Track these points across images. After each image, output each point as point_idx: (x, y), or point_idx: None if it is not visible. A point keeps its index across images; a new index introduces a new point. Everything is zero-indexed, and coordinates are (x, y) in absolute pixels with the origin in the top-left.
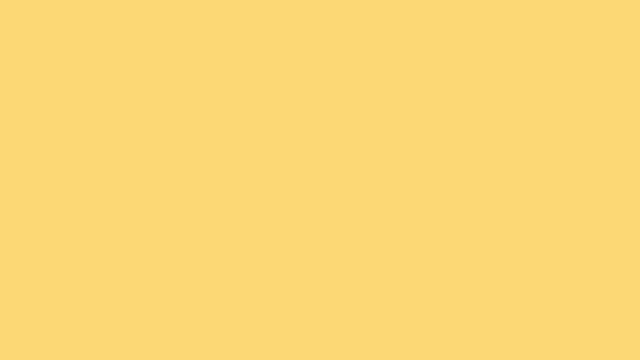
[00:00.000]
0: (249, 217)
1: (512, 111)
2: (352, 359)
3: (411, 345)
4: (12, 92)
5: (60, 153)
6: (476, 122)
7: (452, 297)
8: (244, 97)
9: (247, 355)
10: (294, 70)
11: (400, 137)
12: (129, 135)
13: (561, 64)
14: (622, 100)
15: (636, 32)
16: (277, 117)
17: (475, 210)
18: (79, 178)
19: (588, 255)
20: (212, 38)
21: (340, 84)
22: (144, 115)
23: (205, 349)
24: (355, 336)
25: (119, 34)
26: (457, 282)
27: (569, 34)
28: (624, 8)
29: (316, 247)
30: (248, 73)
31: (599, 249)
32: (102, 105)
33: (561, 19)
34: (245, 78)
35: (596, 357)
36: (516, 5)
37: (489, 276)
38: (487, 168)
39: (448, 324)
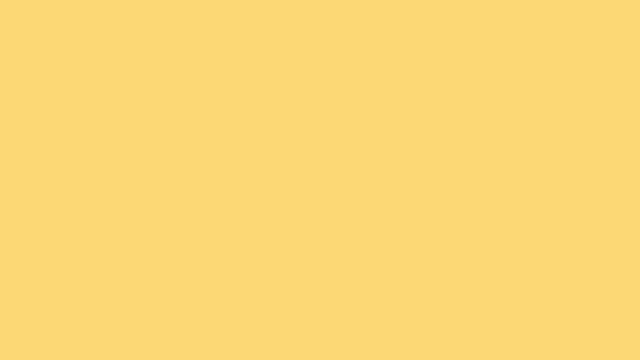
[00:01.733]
0: (249, 216)
1: (512, 111)
2: (352, 359)
3: (411, 345)
4: (12, 92)
5: (61, 153)
6: (476, 122)
7: (452, 297)
8: (244, 97)
9: (247, 356)
10: (294, 70)
11: (400, 137)
12: (129, 135)
13: (561, 64)
14: (622, 100)
15: (636, 32)
16: (277, 117)
17: (475, 210)
18: (79, 178)
19: (588, 255)
20: (212, 38)
21: (340, 84)
22: (144, 115)
23: (205, 349)
24: (355, 336)
25: (119, 34)
26: (457, 282)
27: (569, 34)
28: (624, 8)
29: (316, 247)
30: (248, 73)
31: (599, 249)
32: (102, 105)
33: (561, 19)
34: (245, 78)
35: (596, 357)
36: (516, 6)
37: (489, 276)
38: (487, 168)
39: (448, 324)
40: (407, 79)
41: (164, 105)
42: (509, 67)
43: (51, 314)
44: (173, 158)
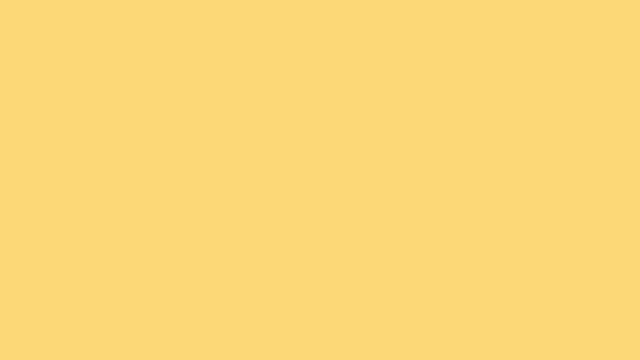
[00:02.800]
0: (249, 217)
1: (512, 111)
2: (352, 359)
3: (411, 345)
4: (12, 92)
5: (61, 153)
6: (476, 122)
7: (452, 297)
8: (244, 97)
9: (247, 356)
10: (294, 70)
11: (400, 137)
12: (129, 135)
13: (561, 64)
14: (622, 100)
15: (636, 32)
16: (277, 117)
17: (475, 210)
18: (79, 178)
19: (588, 255)
20: (212, 38)
21: (340, 84)
22: (144, 115)
23: (205, 349)
24: (355, 336)
25: (119, 34)
26: (457, 282)
27: (569, 34)
28: (624, 8)
29: (316, 247)
30: (248, 73)
31: (599, 249)
32: (102, 105)
33: (561, 19)
34: (245, 78)
35: (596, 357)
36: (516, 6)
37: (489, 276)
38: (487, 168)
39: (448, 324)
40: (407, 79)
41: (164, 105)
42: (509, 67)
43: (51, 314)
44: (173, 158)
